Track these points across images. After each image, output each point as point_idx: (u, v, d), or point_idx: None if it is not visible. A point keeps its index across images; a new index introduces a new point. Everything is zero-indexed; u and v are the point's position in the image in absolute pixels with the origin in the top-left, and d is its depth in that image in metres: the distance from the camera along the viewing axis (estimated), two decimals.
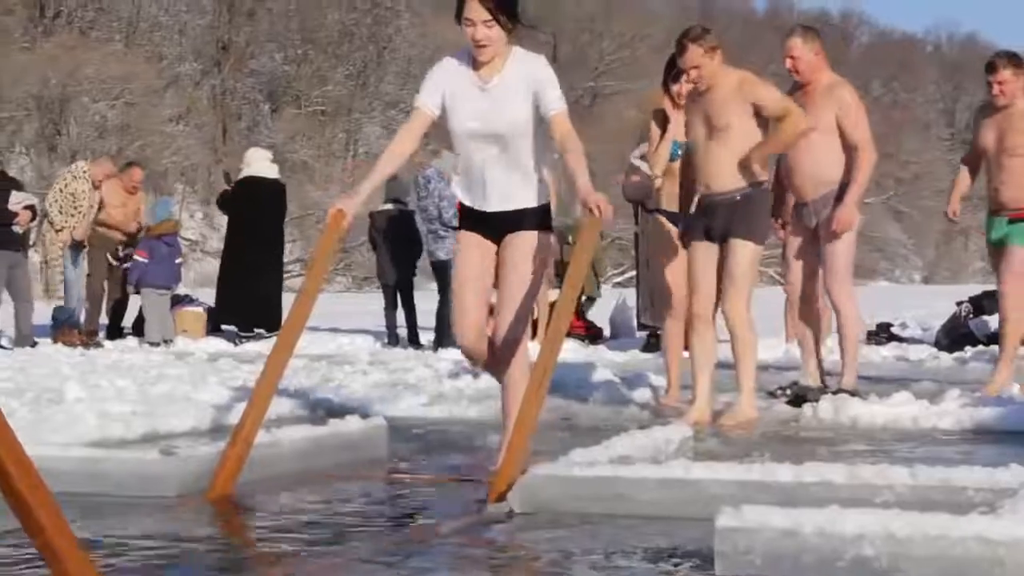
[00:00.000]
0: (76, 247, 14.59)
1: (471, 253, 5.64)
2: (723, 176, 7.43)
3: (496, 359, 5.63)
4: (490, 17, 5.34)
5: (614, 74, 66.46)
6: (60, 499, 2.89)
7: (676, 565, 3.73)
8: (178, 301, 15.53)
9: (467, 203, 5.65)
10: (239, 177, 15.33)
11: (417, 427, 7.21)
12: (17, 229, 13.90)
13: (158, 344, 14.21)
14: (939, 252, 76.77)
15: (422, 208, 14.14)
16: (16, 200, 13.88)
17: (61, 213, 14.52)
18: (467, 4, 5.38)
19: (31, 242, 15.35)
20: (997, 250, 8.86)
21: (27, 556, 3.76)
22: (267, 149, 16.78)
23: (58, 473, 4.43)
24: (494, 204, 5.56)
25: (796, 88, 8.03)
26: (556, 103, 5.43)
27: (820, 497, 4.16)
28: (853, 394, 7.92)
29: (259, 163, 15.38)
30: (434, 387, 9.01)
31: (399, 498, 5.06)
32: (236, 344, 14.30)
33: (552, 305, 13.59)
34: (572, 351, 12.10)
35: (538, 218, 5.59)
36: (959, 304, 13.73)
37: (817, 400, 7.70)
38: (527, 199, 5.55)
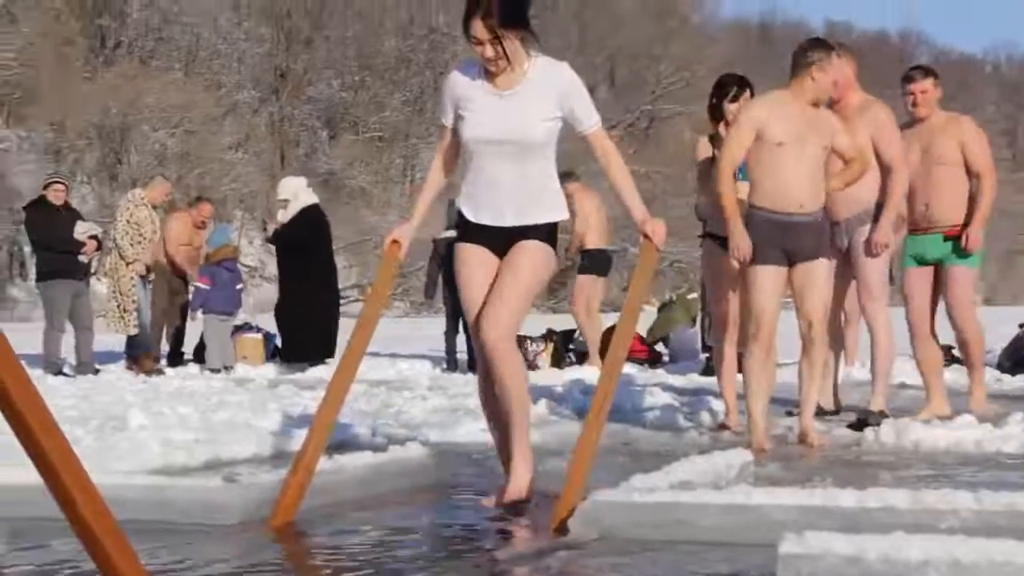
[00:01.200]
0: (144, 275, 14.70)
1: (477, 271, 5.41)
2: (815, 196, 7.37)
3: (484, 357, 5.35)
4: (496, 35, 5.20)
5: (672, 97, 66.39)
6: (125, 526, 2.90)
7: None
8: (238, 328, 15.59)
9: (475, 220, 5.43)
10: (299, 208, 14.97)
11: (477, 452, 7.21)
12: (83, 258, 14.06)
13: (219, 371, 14.29)
14: (1000, 273, 76.12)
15: None
16: (81, 230, 14.04)
17: (132, 245, 14.64)
18: (472, 24, 5.24)
19: (92, 271, 15.48)
20: (919, 270, 8.52)
21: None
22: (300, 177, 16.42)
23: (123, 501, 4.45)
24: (509, 218, 5.38)
25: (827, 106, 7.87)
26: (591, 120, 5.36)
27: (883, 523, 4.14)
28: (881, 415, 7.86)
29: (305, 192, 15.12)
30: None
31: (459, 524, 5.06)
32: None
33: (609, 331, 13.59)
34: (631, 375, 12.07)
35: (546, 232, 5.42)
36: (1021, 326, 13.59)
37: (878, 424, 7.64)
38: (544, 214, 5.40)
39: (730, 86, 8.30)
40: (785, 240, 7.30)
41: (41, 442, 2.61)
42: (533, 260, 5.36)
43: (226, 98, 55.85)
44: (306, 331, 14.55)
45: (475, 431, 7.98)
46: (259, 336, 15.83)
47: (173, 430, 7.60)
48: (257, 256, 51.55)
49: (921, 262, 8.53)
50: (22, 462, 4.17)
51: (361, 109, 60.00)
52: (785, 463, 6.65)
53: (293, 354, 14.62)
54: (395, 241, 5.48)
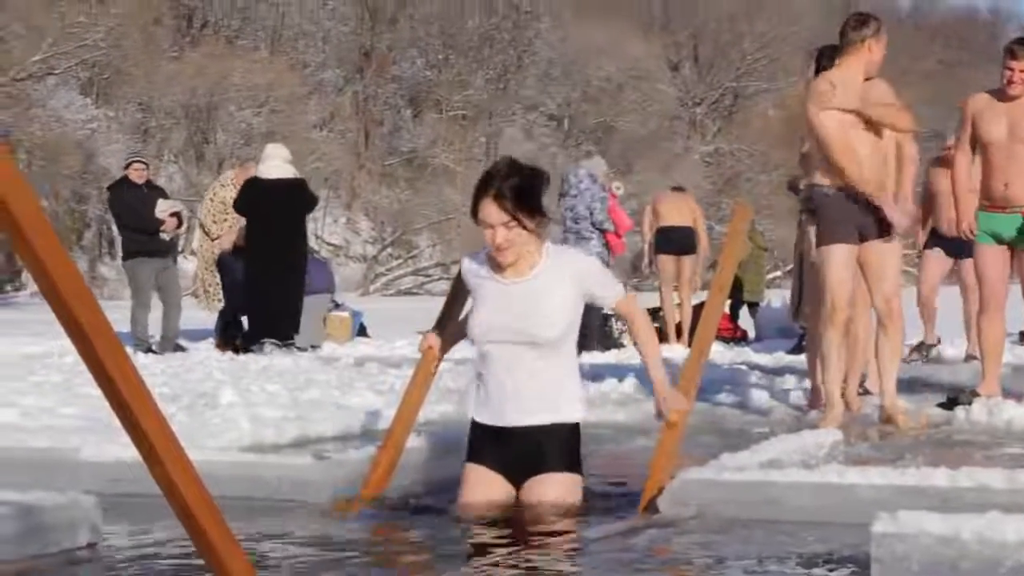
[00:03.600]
0: (235, 252, 14.55)
1: (477, 495, 4.91)
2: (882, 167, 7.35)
3: None
4: (510, 218, 4.75)
5: (756, 74, 65.87)
6: (218, 502, 2.93)
7: (831, 570, 3.69)
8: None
9: (478, 418, 4.96)
10: (251, 176, 14.39)
11: None
12: (164, 236, 14.07)
13: (306, 349, 14.27)
14: None
15: (569, 207, 14.02)
16: (163, 207, 14.05)
17: (215, 223, 14.72)
18: (481, 206, 4.78)
19: (180, 249, 15.52)
20: (995, 248, 8.15)
21: (189, 553, 3.83)
22: (277, 144, 15.54)
23: (215, 477, 4.49)
24: (512, 417, 4.85)
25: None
26: (613, 294, 4.97)
27: (976, 502, 4.10)
28: (972, 395, 7.71)
29: (267, 162, 14.51)
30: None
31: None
32: (250, 351, 13.56)
33: (697, 308, 13.55)
34: (717, 353, 12.01)
35: (566, 450, 4.87)
36: None
37: (970, 403, 7.57)
38: (553, 414, 4.84)
39: (822, 61, 8.10)
40: (860, 215, 7.21)
41: (141, 422, 2.65)
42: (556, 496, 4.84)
43: (311, 77, 56.08)
44: (247, 306, 14.04)
45: None
46: (346, 314, 15.90)
47: (262, 407, 7.67)
48: (341, 235, 51.84)
49: (997, 240, 8.28)
50: (118, 439, 4.23)
51: (444, 88, 60.01)
52: (874, 443, 6.61)
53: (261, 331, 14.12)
54: (431, 348, 5.18)
